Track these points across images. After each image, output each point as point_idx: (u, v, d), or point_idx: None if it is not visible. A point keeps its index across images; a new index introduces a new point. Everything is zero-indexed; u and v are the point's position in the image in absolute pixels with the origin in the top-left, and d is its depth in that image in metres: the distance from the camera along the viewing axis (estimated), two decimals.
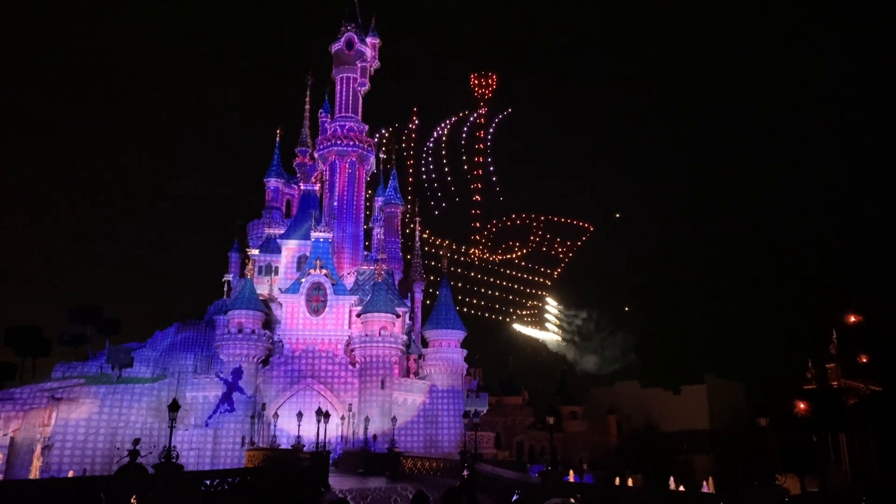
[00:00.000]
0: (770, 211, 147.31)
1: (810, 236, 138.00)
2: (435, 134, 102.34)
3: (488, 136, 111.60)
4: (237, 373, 52.19)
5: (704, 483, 57.14)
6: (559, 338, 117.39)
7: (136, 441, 34.77)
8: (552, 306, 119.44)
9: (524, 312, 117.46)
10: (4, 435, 46.36)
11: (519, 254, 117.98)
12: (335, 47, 66.15)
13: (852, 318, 73.08)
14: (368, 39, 67.27)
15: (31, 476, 43.00)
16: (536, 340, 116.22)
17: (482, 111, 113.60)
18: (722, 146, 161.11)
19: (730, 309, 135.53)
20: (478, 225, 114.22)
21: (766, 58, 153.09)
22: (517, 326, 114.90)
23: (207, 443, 50.26)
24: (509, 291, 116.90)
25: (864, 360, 68.25)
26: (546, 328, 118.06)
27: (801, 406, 67.71)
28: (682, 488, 56.05)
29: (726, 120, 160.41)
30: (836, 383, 68.99)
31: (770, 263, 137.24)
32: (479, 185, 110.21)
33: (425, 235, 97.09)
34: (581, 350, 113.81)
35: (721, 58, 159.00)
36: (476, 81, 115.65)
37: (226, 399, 52.00)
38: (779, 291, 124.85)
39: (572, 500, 24.87)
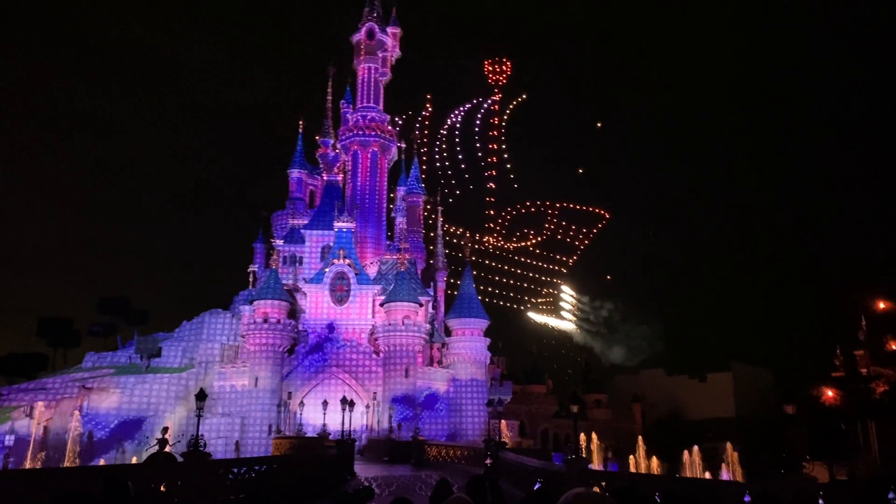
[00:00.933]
0: (799, 195, 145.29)
1: (840, 221, 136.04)
2: (449, 121, 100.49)
3: (503, 123, 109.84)
4: None
5: (724, 469, 56.80)
6: (574, 326, 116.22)
7: (165, 429, 35.30)
8: (569, 295, 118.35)
9: (539, 300, 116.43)
10: (38, 424, 47.30)
11: (534, 241, 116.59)
12: (356, 37, 66.19)
13: (882, 305, 72.02)
14: (389, 29, 67.21)
15: (65, 464, 43.86)
16: (559, 330, 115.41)
17: (496, 97, 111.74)
18: (749, 129, 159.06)
19: (757, 295, 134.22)
20: (492, 213, 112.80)
21: (795, 33, 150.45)
22: (533, 315, 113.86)
23: (235, 431, 50.92)
24: (527, 279, 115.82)
25: (894, 347, 67.29)
26: (563, 317, 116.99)
27: (829, 393, 66.96)
28: (707, 475, 55.82)
29: (755, 101, 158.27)
30: (864, 370, 68.08)
31: (798, 249, 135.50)
32: (494, 173, 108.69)
33: (447, 227, 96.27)
34: (608, 342, 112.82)
35: (750, 34, 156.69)
36: (490, 68, 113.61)
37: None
38: (807, 277, 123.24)
39: (596, 489, 24.85)
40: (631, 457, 61.25)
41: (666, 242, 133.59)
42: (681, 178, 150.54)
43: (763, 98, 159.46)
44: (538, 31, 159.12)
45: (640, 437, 63.91)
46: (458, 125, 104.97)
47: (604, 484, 27.49)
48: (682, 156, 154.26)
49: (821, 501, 24.15)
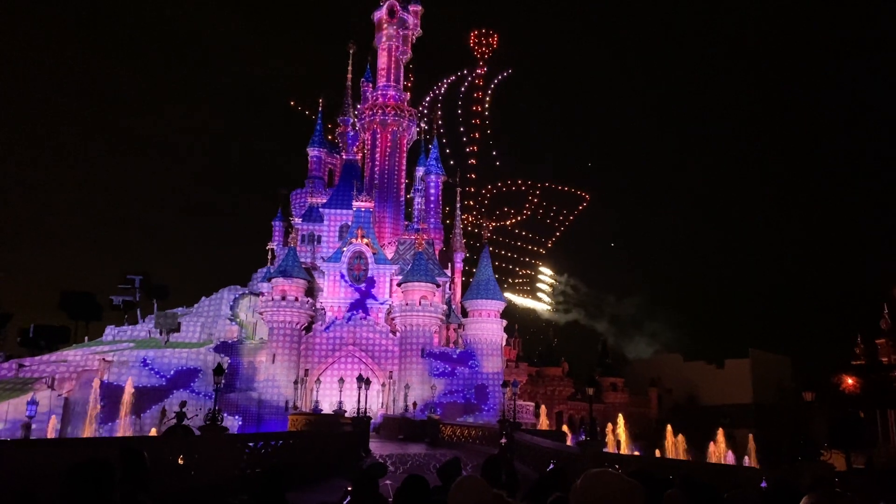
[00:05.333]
0: (821, 182, 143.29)
1: (863, 208, 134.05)
2: (430, 95, 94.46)
3: (486, 98, 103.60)
4: None
5: (746, 458, 56.61)
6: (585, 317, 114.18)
7: (183, 403, 35.65)
8: (576, 288, 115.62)
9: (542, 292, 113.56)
10: (59, 395, 48.00)
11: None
12: (377, 15, 65.73)
13: None
14: (410, 7, 66.61)
15: (84, 435, 44.53)
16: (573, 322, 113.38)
17: (481, 71, 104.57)
18: (770, 114, 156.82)
19: (778, 282, 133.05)
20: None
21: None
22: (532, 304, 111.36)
23: (252, 406, 51.41)
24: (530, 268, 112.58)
25: None
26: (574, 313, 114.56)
27: (849, 381, 66.41)
28: (728, 458, 55.55)
29: (776, 84, 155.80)
30: (885, 359, 67.42)
31: (821, 236, 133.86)
32: (476, 149, 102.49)
33: (467, 204, 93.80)
34: (630, 337, 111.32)
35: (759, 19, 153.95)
36: (476, 40, 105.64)
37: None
38: (828, 265, 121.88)
39: (609, 471, 24.83)
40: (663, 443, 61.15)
41: (686, 230, 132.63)
42: (703, 167, 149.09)
43: (783, 81, 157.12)
44: (528, 9, 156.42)
45: (668, 426, 63.57)
46: (440, 99, 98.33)
47: (617, 467, 27.46)
48: (708, 147, 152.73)
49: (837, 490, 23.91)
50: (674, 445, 60.47)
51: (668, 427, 62.89)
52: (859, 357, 69.91)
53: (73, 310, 72.10)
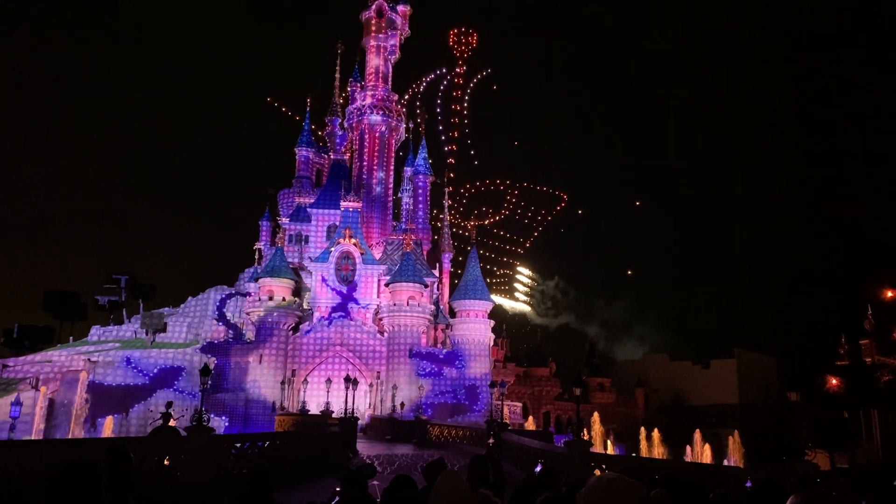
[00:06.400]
0: (805, 184, 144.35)
1: (846, 209, 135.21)
2: (409, 93, 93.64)
3: (465, 97, 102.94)
4: None
5: (730, 457, 57.02)
6: (575, 321, 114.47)
7: (169, 404, 35.47)
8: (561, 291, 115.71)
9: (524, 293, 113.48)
10: (44, 396, 47.59)
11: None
12: (365, 15, 65.67)
13: (889, 294, 71.79)
14: (399, 7, 66.61)
15: (69, 436, 44.16)
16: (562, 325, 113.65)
17: (461, 70, 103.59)
18: (753, 114, 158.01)
19: (762, 283, 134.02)
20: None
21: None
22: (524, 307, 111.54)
23: (239, 407, 51.21)
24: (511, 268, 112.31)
25: None
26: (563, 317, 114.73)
27: (833, 381, 66.95)
28: (706, 457, 56.02)
29: (766, 86, 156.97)
30: (869, 359, 68.03)
31: (805, 237, 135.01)
32: (454, 148, 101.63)
33: (451, 204, 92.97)
34: (619, 340, 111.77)
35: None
36: (455, 39, 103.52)
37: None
38: (813, 266, 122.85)
39: (597, 472, 24.95)
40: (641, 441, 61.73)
41: (672, 230, 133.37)
42: (686, 164, 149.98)
43: (762, 84, 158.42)
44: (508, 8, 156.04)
45: (642, 426, 64.31)
46: (419, 96, 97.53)
47: (604, 467, 27.58)
48: (694, 145, 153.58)
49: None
50: (648, 446, 61.00)
51: (642, 428, 63.42)
52: (843, 357, 70.49)
53: (58, 310, 71.44)
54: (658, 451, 60.70)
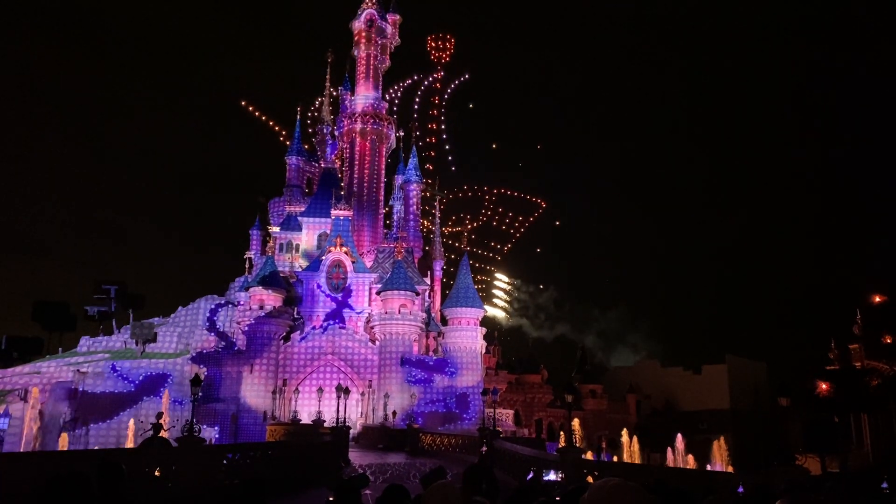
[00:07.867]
0: (795, 189, 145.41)
1: (836, 215, 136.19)
2: (399, 101, 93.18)
3: (443, 103, 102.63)
4: None
5: (719, 463, 57.08)
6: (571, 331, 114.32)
7: (160, 415, 35.30)
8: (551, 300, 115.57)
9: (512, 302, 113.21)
10: (33, 408, 47.26)
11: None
12: (356, 24, 65.78)
13: (877, 299, 72.25)
14: (389, 16, 66.78)
15: (59, 448, 43.86)
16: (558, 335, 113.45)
17: (438, 76, 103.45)
18: (741, 123, 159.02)
19: (753, 289, 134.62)
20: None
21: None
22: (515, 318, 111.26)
23: (229, 417, 50.94)
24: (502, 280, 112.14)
25: (889, 341, 67.51)
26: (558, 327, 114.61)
27: (824, 386, 67.25)
28: (692, 463, 56.10)
29: (757, 91, 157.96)
30: (859, 364, 68.37)
31: (794, 243, 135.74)
32: (433, 154, 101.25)
33: (443, 210, 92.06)
34: (614, 349, 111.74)
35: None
36: (433, 44, 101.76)
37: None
38: (803, 271, 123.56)
39: (590, 479, 24.95)
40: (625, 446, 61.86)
41: (663, 238, 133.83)
42: (678, 172, 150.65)
43: (749, 93, 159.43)
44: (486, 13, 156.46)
45: (624, 430, 64.53)
46: (396, 101, 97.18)
47: (596, 473, 27.58)
48: (686, 153, 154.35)
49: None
50: (631, 452, 61.09)
51: (624, 431, 63.62)
52: (833, 362, 70.84)
53: (47, 320, 71.05)
54: (638, 458, 60.80)
